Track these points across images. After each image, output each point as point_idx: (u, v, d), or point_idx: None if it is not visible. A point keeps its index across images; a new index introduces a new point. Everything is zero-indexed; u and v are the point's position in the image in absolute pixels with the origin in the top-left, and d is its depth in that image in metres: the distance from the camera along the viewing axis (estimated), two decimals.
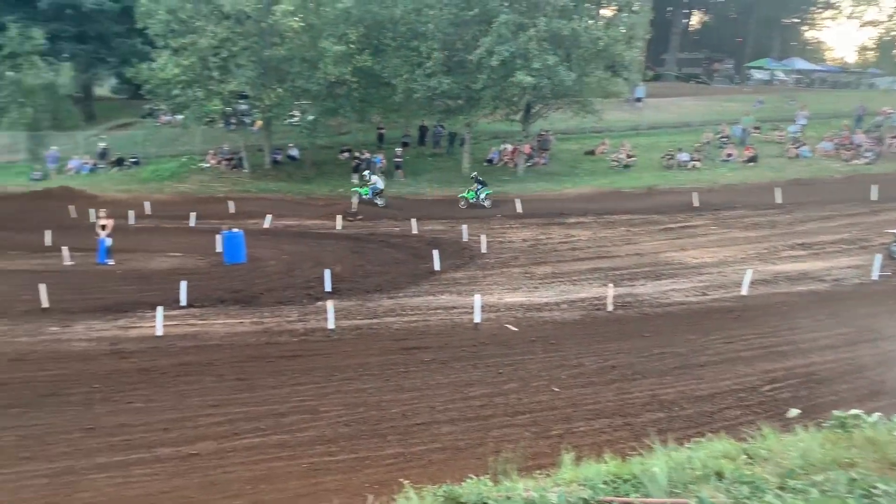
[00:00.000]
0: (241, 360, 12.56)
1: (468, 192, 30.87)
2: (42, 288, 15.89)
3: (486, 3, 31.87)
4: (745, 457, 6.04)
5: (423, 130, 40.36)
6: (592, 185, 33.19)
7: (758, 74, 61.07)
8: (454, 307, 15.85)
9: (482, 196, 30.68)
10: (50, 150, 39.53)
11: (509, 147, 37.74)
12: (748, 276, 16.99)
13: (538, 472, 7.47)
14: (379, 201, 30.07)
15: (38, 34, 39.97)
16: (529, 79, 30.76)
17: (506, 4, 31.99)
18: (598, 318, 15.22)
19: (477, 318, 14.62)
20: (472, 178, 31.65)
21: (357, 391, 11.06)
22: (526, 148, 36.43)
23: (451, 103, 35.28)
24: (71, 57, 47.45)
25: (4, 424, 9.73)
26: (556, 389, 11.10)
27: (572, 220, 26.56)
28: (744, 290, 16.69)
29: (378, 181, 30.88)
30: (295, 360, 12.50)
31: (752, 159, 35.27)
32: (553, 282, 18.09)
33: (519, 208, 28.54)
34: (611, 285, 16.37)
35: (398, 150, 37.02)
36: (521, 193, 31.28)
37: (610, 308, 15.60)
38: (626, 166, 35.78)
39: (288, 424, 9.80)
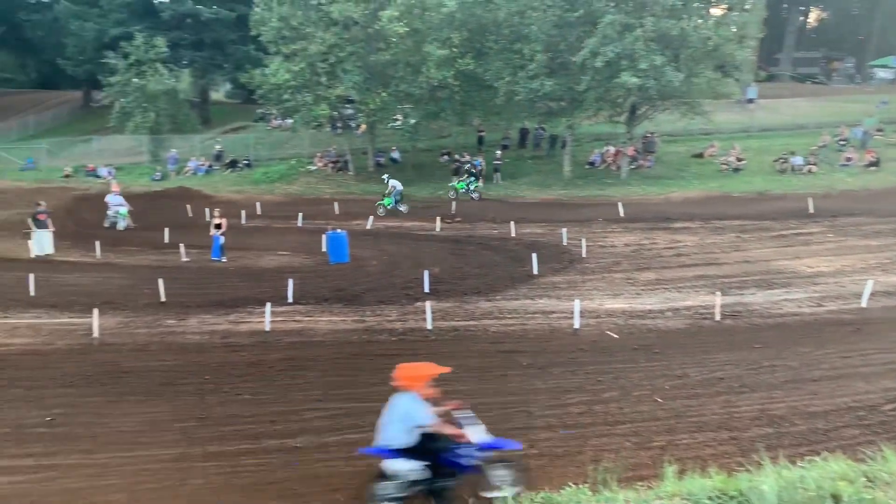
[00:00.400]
0: (343, 356, 12.87)
1: (459, 183, 32.37)
2: (160, 283, 16.86)
3: (591, 4, 31.44)
4: (865, 479, 5.69)
5: (523, 133, 40.29)
6: (700, 188, 32.14)
7: (882, 73, 57.41)
8: (553, 311, 15.69)
9: (472, 188, 32.07)
10: (170, 152, 41.92)
11: (612, 149, 37.09)
12: (869, 287, 15.97)
13: (639, 483, 7.30)
14: (402, 207, 30.06)
15: (161, 42, 42.53)
16: (635, 80, 30.12)
17: (612, 5, 31.49)
18: (705, 327, 14.68)
19: (576, 324, 14.43)
20: (466, 170, 32.91)
21: (454, 392, 11.09)
22: (630, 150, 35.68)
23: (553, 105, 35.06)
24: (189, 64, 50.21)
25: (126, 410, 10.37)
26: (659, 400, 10.79)
27: (678, 224, 25.78)
28: (863, 302, 15.70)
29: (398, 184, 31.01)
30: (394, 359, 12.56)
31: (874, 163, 33.22)
32: (657, 288, 17.61)
33: (621, 212, 27.95)
34: (718, 293, 15.78)
35: (498, 152, 37.10)
36: (624, 197, 30.68)
37: (717, 317, 15.02)
38: (736, 170, 34.46)
39: None
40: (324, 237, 22.56)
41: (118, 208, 28.16)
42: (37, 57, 66.56)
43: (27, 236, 22.64)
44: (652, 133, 37.59)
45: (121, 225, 27.85)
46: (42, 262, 21.05)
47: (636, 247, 22.52)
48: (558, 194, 33.16)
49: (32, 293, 16.88)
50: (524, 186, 34.49)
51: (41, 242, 22.27)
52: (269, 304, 14.95)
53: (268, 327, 14.44)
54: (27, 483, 8.20)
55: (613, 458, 8.23)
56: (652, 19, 30.40)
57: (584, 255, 21.30)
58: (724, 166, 34.77)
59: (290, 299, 16.48)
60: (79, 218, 28.82)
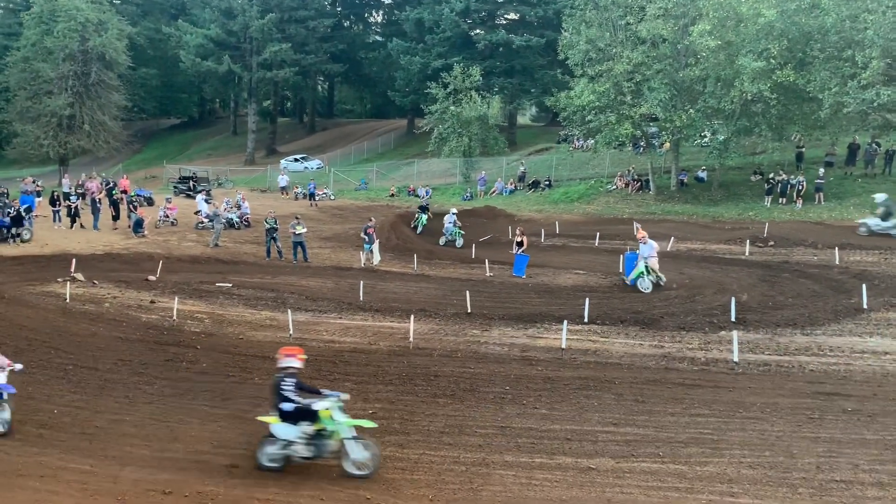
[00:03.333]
0: (640, 381, 12.55)
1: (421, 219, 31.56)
2: (467, 295, 18.02)
3: None
4: None
5: (852, 148, 35.84)
6: None
7: None
8: (887, 353, 13.70)
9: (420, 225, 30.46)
10: (480, 173, 44.74)
11: None
12: None
13: None
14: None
15: (476, 71, 45.71)
16: None
17: None
18: None
19: None
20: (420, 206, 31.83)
21: (762, 432, 10.24)
22: None
23: (891, 117, 30.78)
24: (500, 90, 53.14)
25: (435, 411, 11.23)
26: None
27: None
28: None
29: (451, 222, 29.32)
30: (695, 390, 12.08)
31: None
32: None
33: None
34: None
35: (821, 171, 33.51)
36: None
37: None
38: None
39: (686, 455, 9.50)
40: (621, 257, 22.27)
41: (650, 260, 19.74)
42: (371, 90, 75.86)
43: (361, 248, 25.75)
44: None
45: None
46: (369, 271, 23.73)
47: None
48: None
49: (361, 298, 19.11)
50: (852, 208, 30.68)
51: (374, 253, 25.12)
52: (565, 322, 15.16)
53: (564, 344, 14.63)
54: None
55: None
56: None
57: None
58: None
59: (586, 318, 16.53)
60: (400, 233, 31.92)
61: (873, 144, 34.89)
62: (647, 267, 19.68)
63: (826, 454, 9.45)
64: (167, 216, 31.82)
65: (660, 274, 19.89)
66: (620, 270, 21.93)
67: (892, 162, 33.99)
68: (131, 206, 30.48)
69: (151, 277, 20.96)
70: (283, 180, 47.14)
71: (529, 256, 23.32)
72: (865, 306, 16.88)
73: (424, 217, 32.07)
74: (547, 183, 42.15)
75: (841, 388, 12.00)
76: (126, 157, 64.26)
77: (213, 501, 8.21)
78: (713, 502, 8.27)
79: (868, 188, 32.85)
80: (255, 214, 32.76)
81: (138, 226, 28.40)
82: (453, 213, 30.17)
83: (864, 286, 17.70)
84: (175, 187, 44.58)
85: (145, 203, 34.82)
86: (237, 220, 32.33)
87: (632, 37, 34.12)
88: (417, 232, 31.42)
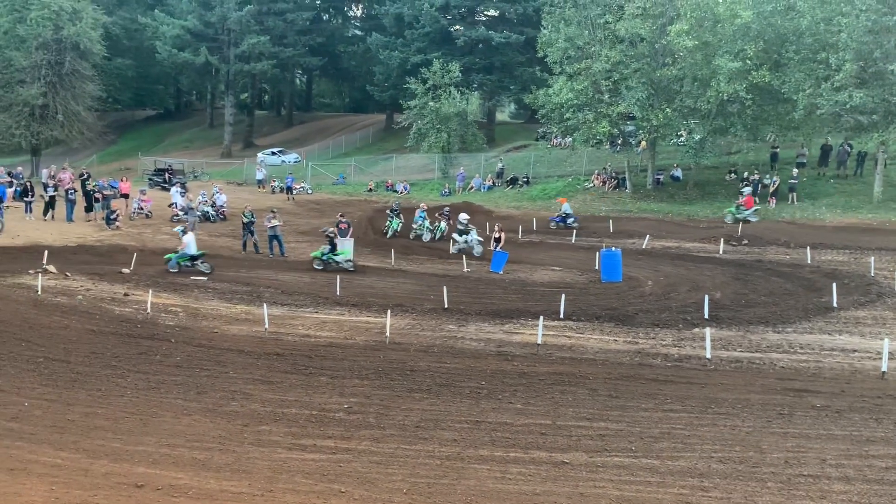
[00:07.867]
0: (614, 377, 12.66)
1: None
2: (444, 290, 18.04)
3: None
4: None
5: (825, 149, 36.43)
6: None
7: None
8: (855, 350, 13.95)
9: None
10: (459, 169, 44.76)
11: None
12: None
13: None
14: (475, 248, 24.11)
15: (455, 67, 45.67)
16: None
17: None
18: None
19: (884, 367, 12.65)
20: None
21: (733, 427, 10.39)
22: None
23: (862, 119, 31.35)
24: (479, 86, 53.10)
25: (410, 406, 11.24)
26: None
27: None
28: None
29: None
30: (668, 385, 12.22)
31: None
32: None
33: None
34: None
35: (794, 171, 34.06)
36: None
37: None
38: None
39: (658, 450, 9.61)
40: (597, 255, 22.45)
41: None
42: (350, 84, 75.49)
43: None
44: None
45: None
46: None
47: None
48: (866, 218, 29.50)
49: (338, 293, 19.05)
50: (824, 208, 31.20)
51: (344, 249, 24.99)
52: (541, 318, 15.24)
53: (539, 340, 14.70)
54: (326, 462, 9.21)
55: None
56: None
57: None
58: None
59: (562, 315, 16.63)
60: (377, 228, 31.86)
61: (845, 146, 35.47)
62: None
63: (794, 449, 9.61)
64: (141, 208, 31.45)
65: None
66: (597, 268, 22.09)
67: (864, 163, 34.58)
68: (95, 196, 29.93)
69: (125, 270, 20.73)
70: (260, 173, 46.78)
71: (508, 253, 23.40)
72: (835, 305, 17.18)
73: (396, 222, 30.03)
74: (525, 180, 42.30)
75: (810, 384, 12.20)
76: (100, 149, 63.33)
77: (185, 496, 8.16)
78: (684, 496, 8.37)
79: (840, 188, 33.46)
80: (231, 208, 32.49)
81: (110, 217, 28.05)
82: (423, 210, 30.29)
83: (834, 285, 18.01)
84: (150, 179, 44.05)
85: (113, 193, 33.82)
86: (213, 213, 32.04)
87: (610, 35, 34.37)
88: (387, 236, 29.37)
